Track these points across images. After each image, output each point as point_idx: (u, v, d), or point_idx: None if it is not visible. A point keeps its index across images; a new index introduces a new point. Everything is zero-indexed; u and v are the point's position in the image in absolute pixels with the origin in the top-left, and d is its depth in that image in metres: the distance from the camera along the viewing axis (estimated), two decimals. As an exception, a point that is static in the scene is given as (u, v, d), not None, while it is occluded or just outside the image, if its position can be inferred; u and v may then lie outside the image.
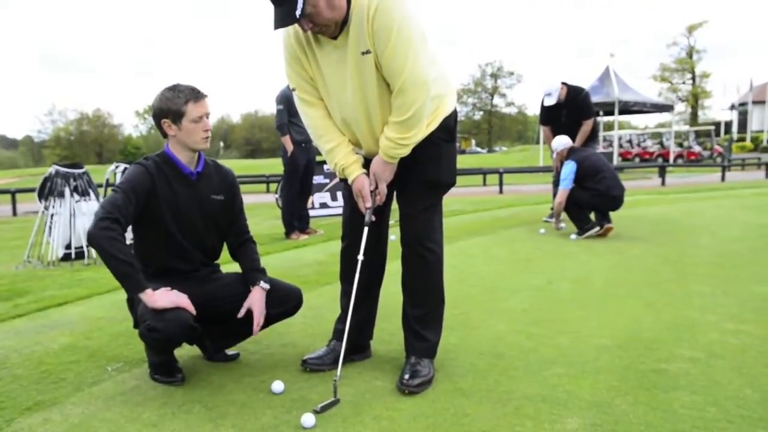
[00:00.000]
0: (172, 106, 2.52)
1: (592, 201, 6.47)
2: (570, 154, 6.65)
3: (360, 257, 2.51)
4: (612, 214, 6.58)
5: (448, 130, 2.56)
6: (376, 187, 2.51)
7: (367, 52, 2.27)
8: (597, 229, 6.39)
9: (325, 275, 4.62)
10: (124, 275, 2.32)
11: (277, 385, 2.46)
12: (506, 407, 2.29)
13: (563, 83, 7.19)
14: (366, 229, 2.51)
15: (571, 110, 7.14)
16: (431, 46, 2.37)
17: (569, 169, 6.48)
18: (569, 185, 6.44)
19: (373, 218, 2.52)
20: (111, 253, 2.30)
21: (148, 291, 2.32)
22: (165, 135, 2.61)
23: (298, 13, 2.16)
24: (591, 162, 6.56)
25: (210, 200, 2.70)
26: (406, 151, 2.42)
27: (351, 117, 2.47)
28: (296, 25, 2.29)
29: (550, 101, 7.11)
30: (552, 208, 7.72)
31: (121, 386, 2.57)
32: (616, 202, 6.50)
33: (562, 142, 6.81)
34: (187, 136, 2.56)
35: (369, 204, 2.50)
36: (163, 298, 2.34)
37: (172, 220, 2.58)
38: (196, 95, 2.55)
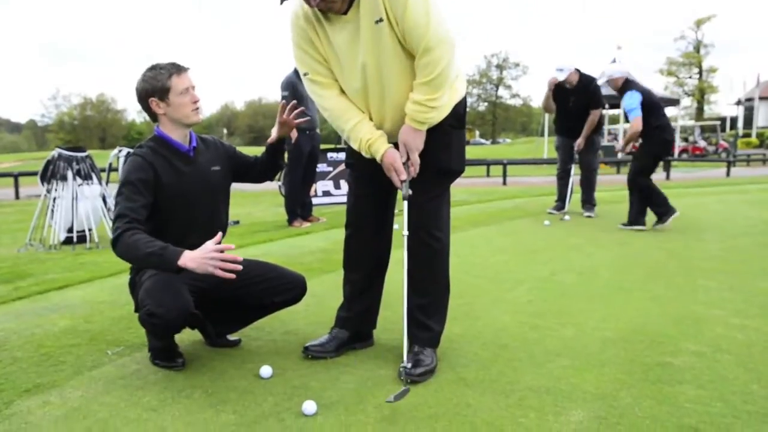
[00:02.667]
0: (156, 83, 2.50)
1: (664, 147, 6.39)
2: (628, 84, 6.40)
3: (405, 233, 2.45)
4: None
5: (457, 117, 2.52)
6: (408, 159, 2.43)
7: (380, 20, 2.22)
8: (677, 213, 6.28)
9: (328, 263, 4.60)
10: (154, 265, 2.31)
11: (265, 370, 2.45)
12: (510, 398, 2.26)
13: (576, 69, 7.12)
14: (406, 203, 2.45)
15: (579, 97, 7.08)
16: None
17: (635, 99, 6.23)
18: (637, 113, 6.20)
19: (410, 192, 2.43)
20: (135, 256, 2.32)
21: (183, 259, 2.21)
22: (154, 118, 2.58)
23: None
24: (653, 97, 6.39)
25: (211, 173, 2.68)
26: (434, 116, 2.35)
27: (368, 94, 2.41)
28: (305, 5, 2.25)
29: (560, 76, 7.01)
30: (557, 200, 7.68)
31: (122, 370, 2.56)
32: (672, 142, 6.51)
33: (619, 68, 6.55)
34: (177, 111, 2.53)
35: (404, 176, 2.42)
36: (195, 263, 2.22)
37: (179, 202, 2.55)
38: (177, 68, 2.53)
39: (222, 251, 2.23)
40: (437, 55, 2.22)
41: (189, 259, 2.22)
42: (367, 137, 2.44)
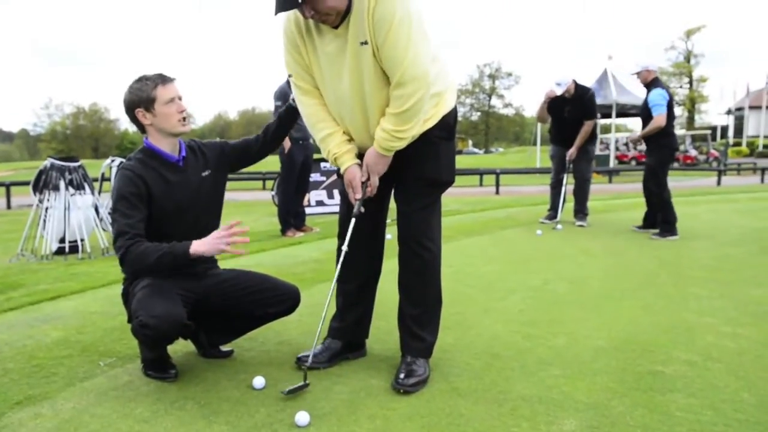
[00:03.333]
0: (142, 94, 2.52)
1: (672, 154, 6.61)
2: (657, 82, 6.51)
3: (344, 248, 2.49)
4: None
5: (447, 128, 2.53)
6: (368, 179, 2.48)
7: (365, 42, 2.24)
8: (677, 237, 6.36)
9: (321, 273, 4.60)
10: (168, 264, 2.39)
11: (258, 381, 2.46)
12: (502, 408, 2.27)
13: (573, 80, 7.16)
14: (353, 220, 2.49)
15: (575, 107, 7.11)
16: (432, 43, 2.35)
17: (664, 97, 6.33)
18: (663, 110, 6.32)
19: (362, 210, 2.48)
20: (147, 264, 2.37)
21: (193, 247, 2.37)
22: (143, 129, 2.60)
23: None
24: (672, 103, 6.48)
25: (201, 179, 2.68)
26: (401, 145, 2.39)
27: (346, 108, 2.44)
28: (297, 12, 2.27)
29: (558, 91, 7.04)
30: (549, 210, 7.70)
31: (114, 381, 2.55)
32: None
33: (655, 63, 6.66)
34: (163, 121, 2.54)
35: (359, 195, 2.47)
36: (206, 246, 2.39)
37: (172, 212, 2.55)
38: (163, 79, 2.54)
39: (230, 227, 2.39)
40: (409, 90, 2.25)
41: (199, 245, 2.38)
42: (334, 150, 2.50)
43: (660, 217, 6.53)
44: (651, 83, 6.52)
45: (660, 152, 6.56)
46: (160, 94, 2.52)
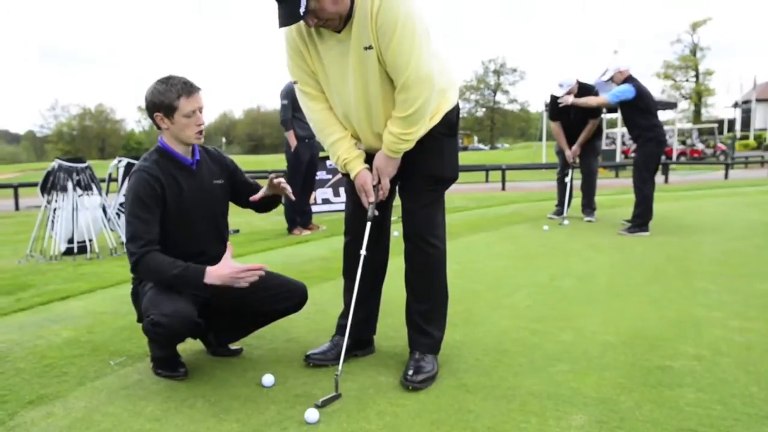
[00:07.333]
0: (165, 100, 2.49)
1: (660, 146, 6.54)
2: (630, 80, 6.50)
3: (363, 252, 2.50)
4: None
5: (449, 125, 2.54)
6: (379, 182, 2.50)
7: (370, 47, 2.25)
8: (648, 233, 6.31)
9: (328, 271, 4.61)
10: (179, 286, 2.39)
11: (267, 378, 2.47)
12: (511, 404, 2.27)
13: (576, 80, 7.12)
14: (369, 224, 2.50)
15: (579, 108, 7.08)
16: (433, 40, 2.35)
17: (625, 93, 6.36)
18: (614, 100, 6.43)
19: (376, 213, 2.51)
20: (159, 279, 2.40)
21: (208, 277, 2.36)
22: (158, 127, 2.60)
23: (302, 10, 2.15)
24: (650, 99, 6.51)
25: (213, 186, 2.69)
26: (409, 146, 2.41)
27: (352, 111, 2.45)
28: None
29: (560, 92, 7.03)
30: (557, 205, 7.69)
31: (124, 380, 2.57)
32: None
33: (627, 63, 6.67)
34: (180, 131, 2.54)
35: (372, 199, 2.49)
36: (221, 279, 2.37)
37: (180, 215, 2.56)
38: (189, 90, 2.50)
39: (252, 269, 2.38)
40: (414, 93, 2.27)
41: (215, 277, 2.36)
42: (344, 156, 2.51)
43: (636, 210, 6.47)
44: (624, 81, 6.52)
45: (646, 146, 6.51)
46: (183, 106, 2.49)
